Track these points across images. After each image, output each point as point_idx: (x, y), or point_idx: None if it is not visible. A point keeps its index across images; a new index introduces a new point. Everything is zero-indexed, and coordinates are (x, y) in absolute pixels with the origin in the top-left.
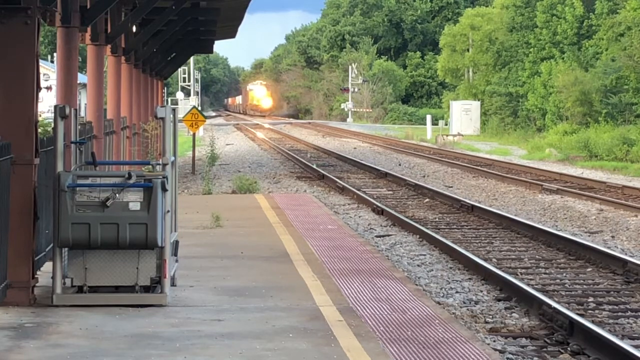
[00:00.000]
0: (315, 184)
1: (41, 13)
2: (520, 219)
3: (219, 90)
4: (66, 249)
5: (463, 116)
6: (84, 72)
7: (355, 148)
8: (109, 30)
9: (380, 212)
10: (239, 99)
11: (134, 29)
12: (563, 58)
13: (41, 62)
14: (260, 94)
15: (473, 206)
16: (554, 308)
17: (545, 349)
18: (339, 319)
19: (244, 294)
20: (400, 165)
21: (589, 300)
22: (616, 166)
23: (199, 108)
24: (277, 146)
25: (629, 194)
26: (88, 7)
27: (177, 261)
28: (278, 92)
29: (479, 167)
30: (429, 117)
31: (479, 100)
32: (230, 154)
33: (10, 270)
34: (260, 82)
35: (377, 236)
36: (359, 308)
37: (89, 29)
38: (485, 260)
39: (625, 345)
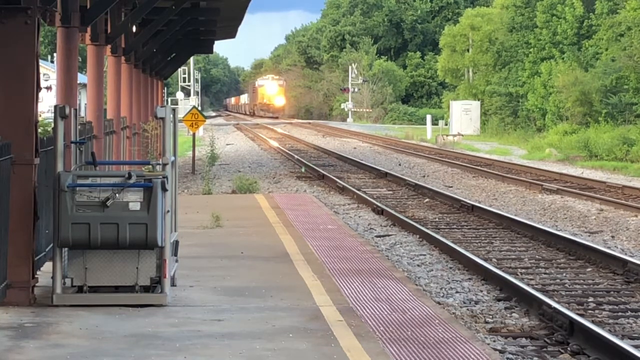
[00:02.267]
0: (315, 184)
1: (41, 13)
2: (520, 219)
3: (219, 90)
4: (66, 249)
5: (463, 116)
6: (84, 72)
7: (355, 148)
8: (109, 30)
9: (380, 212)
10: (244, 98)
11: (134, 29)
12: (563, 58)
13: (41, 62)
14: (272, 90)
15: (473, 206)
16: (554, 308)
17: (545, 349)
18: (339, 319)
19: (244, 294)
20: (400, 165)
21: (589, 300)
22: (616, 166)
23: (199, 108)
24: (277, 146)
25: (629, 194)
26: (88, 7)
27: (177, 261)
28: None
29: (479, 167)
30: (429, 117)
31: (479, 100)
32: (230, 154)
33: (10, 270)
34: (271, 77)
35: (377, 236)
36: (359, 308)
37: (89, 29)
38: (485, 260)
39: (625, 345)
